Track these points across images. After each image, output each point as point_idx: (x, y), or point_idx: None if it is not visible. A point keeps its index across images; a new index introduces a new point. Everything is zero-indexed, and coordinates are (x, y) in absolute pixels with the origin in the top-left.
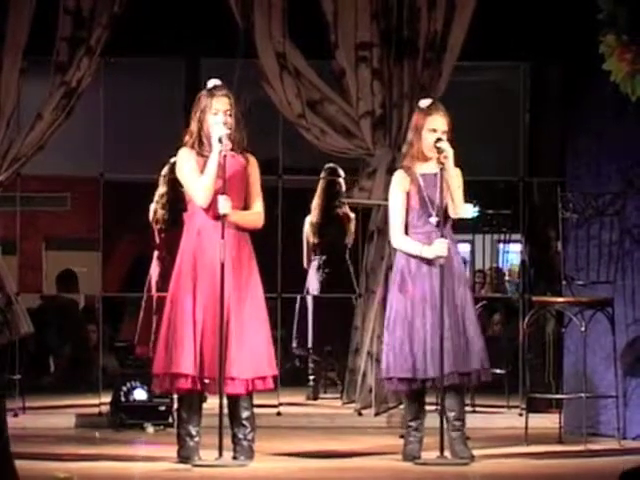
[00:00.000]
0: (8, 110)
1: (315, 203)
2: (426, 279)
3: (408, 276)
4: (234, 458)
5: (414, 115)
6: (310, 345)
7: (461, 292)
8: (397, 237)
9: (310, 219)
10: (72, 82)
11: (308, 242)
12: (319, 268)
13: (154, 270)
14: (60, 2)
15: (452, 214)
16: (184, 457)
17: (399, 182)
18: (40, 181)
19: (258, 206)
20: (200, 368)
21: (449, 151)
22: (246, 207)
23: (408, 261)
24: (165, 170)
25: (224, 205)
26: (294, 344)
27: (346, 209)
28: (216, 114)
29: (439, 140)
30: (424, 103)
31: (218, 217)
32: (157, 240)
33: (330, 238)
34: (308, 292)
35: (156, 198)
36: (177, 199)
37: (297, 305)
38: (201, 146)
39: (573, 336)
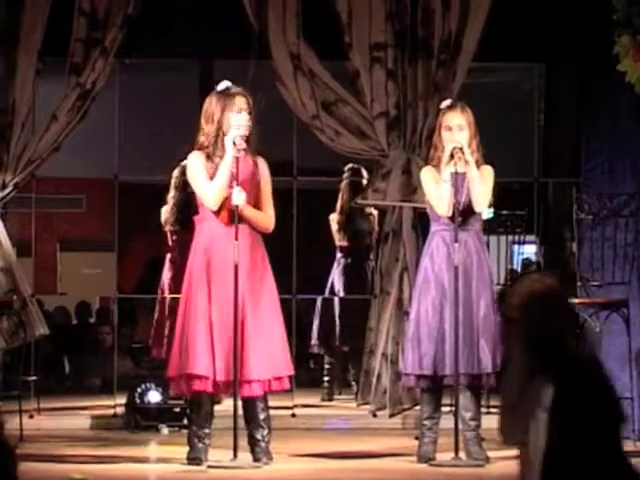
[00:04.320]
0: (23, 111)
1: (339, 203)
2: (448, 279)
3: (431, 275)
4: (257, 460)
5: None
6: (328, 345)
7: (483, 295)
8: (443, 206)
9: (334, 219)
10: (87, 83)
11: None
12: (344, 268)
13: (167, 272)
14: (75, 3)
15: (474, 208)
16: (192, 459)
17: (429, 172)
18: (55, 183)
19: (269, 210)
20: (215, 370)
21: (467, 155)
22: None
23: (431, 261)
24: (176, 172)
25: (238, 197)
26: (313, 342)
27: (371, 209)
28: (239, 112)
29: (455, 150)
30: (444, 104)
31: (230, 221)
32: (170, 242)
33: (355, 238)
34: (332, 292)
35: (167, 200)
36: (187, 202)
37: (318, 305)
38: (216, 149)
39: (588, 337)
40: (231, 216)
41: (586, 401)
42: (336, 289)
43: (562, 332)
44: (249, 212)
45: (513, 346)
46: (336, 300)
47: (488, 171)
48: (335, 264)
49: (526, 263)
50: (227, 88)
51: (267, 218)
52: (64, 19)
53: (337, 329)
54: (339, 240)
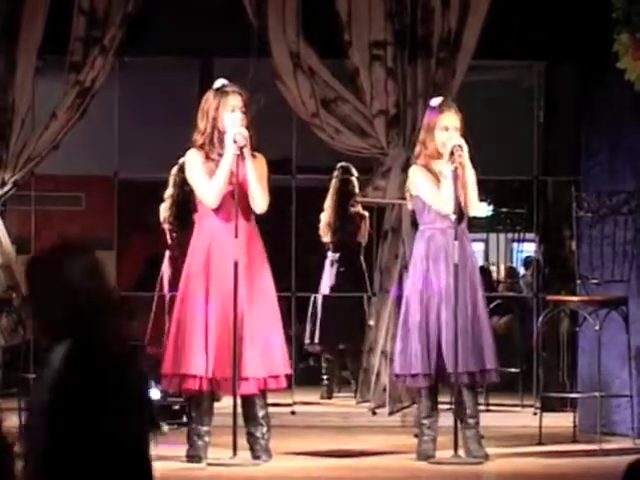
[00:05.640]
0: (23, 109)
1: (328, 202)
2: (441, 276)
3: (424, 272)
4: (256, 457)
5: (426, 114)
6: (323, 343)
7: (473, 291)
8: (444, 204)
9: (324, 218)
10: (86, 82)
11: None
12: (333, 267)
13: (166, 270)
14: (75, 2)
15: (466, 212)
16: (192, 456)
17: (421, 171)
18: (54, 180)
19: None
20: (211, 368)
21: (465, 157)
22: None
23: (424, 257)
24: (174, 170)
25: (240, 136)
26: (307, 341)
27: (359, 208)
28: (233, 111)
29: (455, 148)
30: (435, 102)
31: (229, 218)
32: (169, 240)
33: (344, 237)
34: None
35: (165, 198)
36: (185, 199)
37: (311, 303)
38: (212, 147)
39: (587, 335)
40: (231, 213)
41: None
42: (324, 287)
43: (88, 302)
44: (251, 170)
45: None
46: (319, 298)
47: (473, 172)
48: (326, 263)
49: (527, 261)
50: (223, 86)
51: (265, 195)
52: (64, 17)
53: (331, 327)
54: (328, 239)
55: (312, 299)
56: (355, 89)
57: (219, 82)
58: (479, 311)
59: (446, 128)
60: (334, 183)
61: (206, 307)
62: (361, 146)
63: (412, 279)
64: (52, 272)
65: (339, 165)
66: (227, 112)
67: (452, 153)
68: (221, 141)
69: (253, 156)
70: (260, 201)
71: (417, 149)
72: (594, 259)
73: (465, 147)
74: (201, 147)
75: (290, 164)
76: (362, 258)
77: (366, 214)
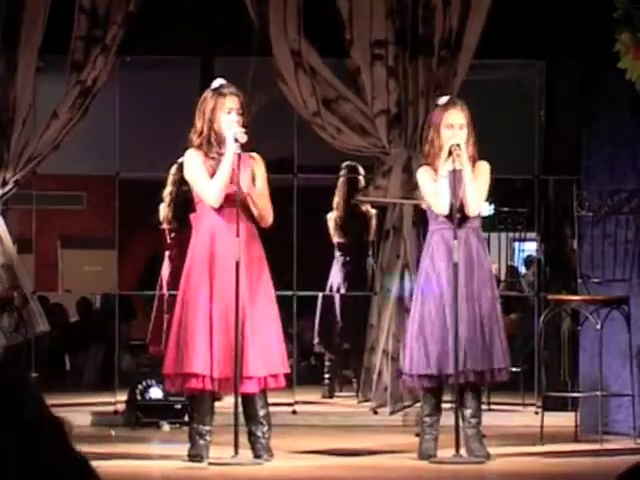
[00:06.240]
0: (24, 109)
1: (336, 201)
2: (449, 277)
3: (432, 274)
4: (257, 457)
5: (432, 113)
6: (331, 342)
7: (485, 291)
8: (441, 204)
9: (332, 217)
10: (88, 81)
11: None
12: (342, 266)
13: (165, 269)
14: (76, 1)
15: (467, 212)
16: (193, 455)
17: (427, 172)
18: (56, 180)
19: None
20: (212, 367)
21: (463, 156)
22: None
23: (432, 261)
24: (173, 169)
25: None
26: (316, 341)
27: (367, 206)
28: (229, 113)
29: (453, 147)
30: (441, 100)
31: (230, 217)
32: (168, 240)
33: (352, 236)
34: (331, 290)
35: (164, 197)
36: (183, 199)
37: (319, 303)
38: (210, 147)
39: (589, 334)
40: (231, 213)
41: None
42: (335, 287)
43: None
44: (253, 199)
45: None
46: (337, 297)
47: (484, 167)
48: (334, 262)
49: (529, 260)
50: (220, 86)
51: (269, 210)
52: (65, 16)
53: (337, 326)
54: (337, 238)
55: (320, 299)
56: (356, 88)
57: (217, 82)
58: (487, 310)
59: (451, 126)
60: (341, 182)
61: (209, 306)
62: (362, 145)
63: (420, 279)
64: None
65: (345, 164)
66: (223, 114)
67: (450, 153)
68: (219, 142)
69: (252, 157)
70: (266, 216)
71: (425, 148)
72: (595, 258)
73: (463, 146)
74: (199, 147)
75: (291, 163)
76: (371, 257)
77: (373, 212)
